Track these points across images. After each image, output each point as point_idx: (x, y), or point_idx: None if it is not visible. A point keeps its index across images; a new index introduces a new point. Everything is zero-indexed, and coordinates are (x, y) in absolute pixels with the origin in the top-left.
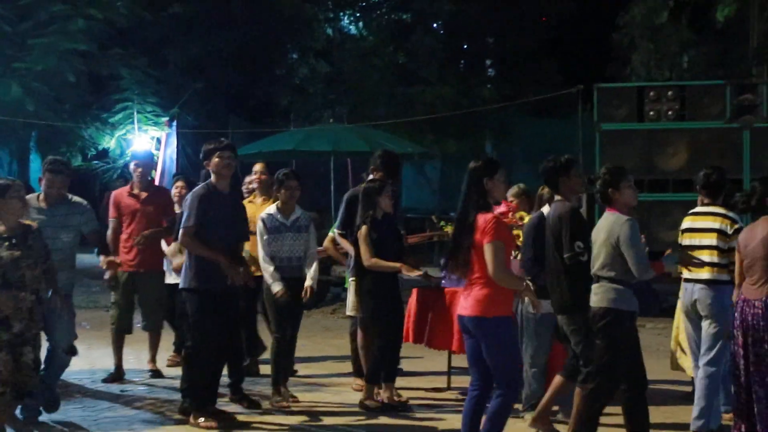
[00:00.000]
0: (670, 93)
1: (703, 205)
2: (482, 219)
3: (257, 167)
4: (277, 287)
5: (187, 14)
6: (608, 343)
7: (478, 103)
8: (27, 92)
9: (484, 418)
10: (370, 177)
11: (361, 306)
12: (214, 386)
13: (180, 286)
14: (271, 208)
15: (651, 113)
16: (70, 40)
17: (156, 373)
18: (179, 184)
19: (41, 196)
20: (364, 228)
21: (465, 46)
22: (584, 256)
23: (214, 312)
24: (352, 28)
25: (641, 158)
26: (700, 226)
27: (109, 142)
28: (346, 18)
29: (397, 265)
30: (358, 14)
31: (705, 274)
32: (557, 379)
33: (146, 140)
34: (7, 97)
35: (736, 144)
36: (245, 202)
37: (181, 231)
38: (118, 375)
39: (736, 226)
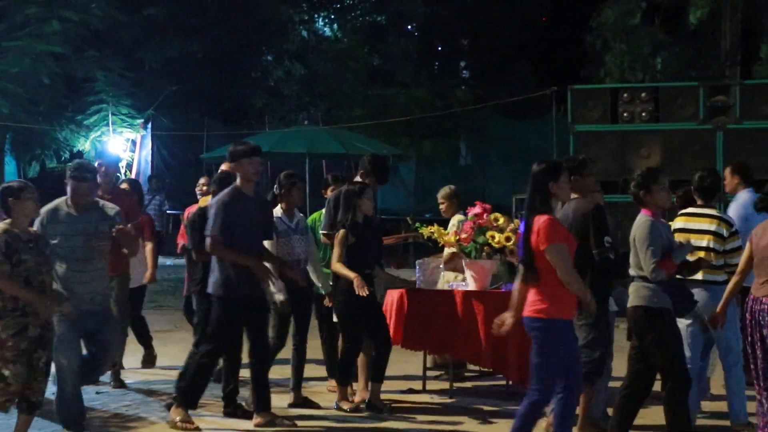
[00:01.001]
0: (643, 94)
1: (695, 206)
2: (536, 221)
3: (224, 165)
4: (281, 296)
5: (163, 16)
6: (656, 342)
7: (453, 105)
8: (1, 94)
9: (515, 419)
10: (356, 179)
11: (334, 304)
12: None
13: (207, 291)
14: (277, 211)
15: (625, 114)
16: (45, 42)
17: (119, 382)
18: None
19: (69, 202)
20: (341, 231)
21: (439, 48)
22: (613, 253)
23: (238, 320)
24: (327, 30)
25: (615, 159)
26: (695, 227)
27: (84, 144)
28: (320, 20)
29: (352, 275)
30: (332, 16)
31: (699, 275)
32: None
33: (121, 142)
34: None
35: (710, 145)
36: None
37: (207, 239)
38: None
39: (732, 229)
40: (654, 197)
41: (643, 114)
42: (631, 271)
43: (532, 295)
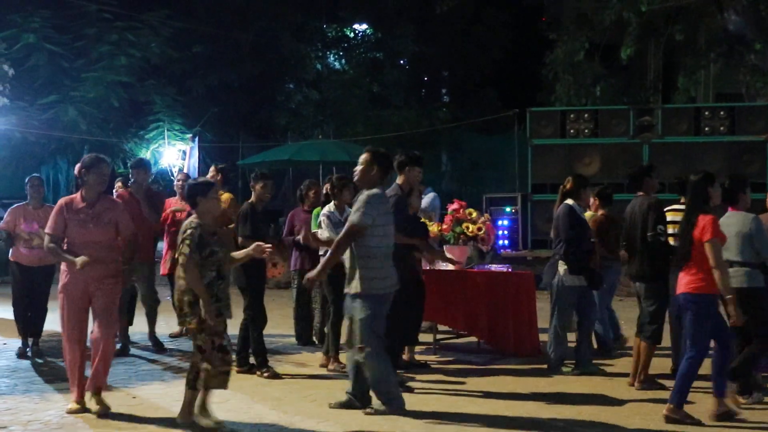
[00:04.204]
0: (586, 115)
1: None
2: (703, 220)
3: (211, 171)
4: None
5: (206, 53)
6: (755, 314)
7: (436, 123)
8: (81, 115)
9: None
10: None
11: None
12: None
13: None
14: (330, 207)
15: (571, 131)
16: (115, 73)
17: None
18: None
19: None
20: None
21: (425, 78)
22: (663, 237)
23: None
24: (337, 63)
25: (563, 167)
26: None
27: (145, 154)
28: (331, 56)
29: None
30: (341, 53)
31: None
32: (643, 344)
33: (174, 152)
34: (66, 118)
35: (638, 155)
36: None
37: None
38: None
39: None
40: (742, 199)
41: (586, 131)
42: (733, 258)
43: (687, 277)
